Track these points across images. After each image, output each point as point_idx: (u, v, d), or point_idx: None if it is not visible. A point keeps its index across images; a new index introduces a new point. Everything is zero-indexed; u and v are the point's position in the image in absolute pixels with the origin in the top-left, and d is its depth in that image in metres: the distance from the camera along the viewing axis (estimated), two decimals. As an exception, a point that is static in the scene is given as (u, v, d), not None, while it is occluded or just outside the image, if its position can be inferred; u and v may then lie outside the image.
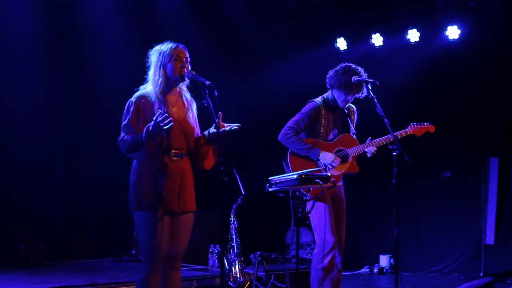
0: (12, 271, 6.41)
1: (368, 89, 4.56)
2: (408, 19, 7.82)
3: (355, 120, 4.94)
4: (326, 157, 4.67)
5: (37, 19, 7.25)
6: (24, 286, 5.50)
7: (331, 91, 4.82)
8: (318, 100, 4.82)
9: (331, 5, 7.81)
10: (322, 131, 4.77)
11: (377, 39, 8.04)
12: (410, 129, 4.75)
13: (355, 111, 4.96)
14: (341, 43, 8.28)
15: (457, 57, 7.66)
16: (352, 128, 4.86)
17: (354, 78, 4.66)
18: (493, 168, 7.33)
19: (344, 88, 4.69)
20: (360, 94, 4.75)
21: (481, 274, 7.02)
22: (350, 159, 4.74)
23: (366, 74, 4.73)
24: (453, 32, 7.52)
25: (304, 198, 4.50)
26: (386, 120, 4.36)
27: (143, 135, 3.45)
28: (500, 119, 7.48)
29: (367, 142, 4.73)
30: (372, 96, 4.50)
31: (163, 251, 3.55)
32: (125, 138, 3.55)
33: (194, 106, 3.78)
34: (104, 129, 7.73)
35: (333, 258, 4.64)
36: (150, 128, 3.43)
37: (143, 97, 3.62)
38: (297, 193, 4.48)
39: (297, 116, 4.78)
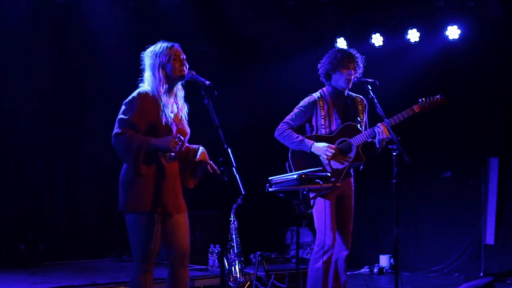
0: (12, 271, 6.40)
1: (368, 89, 4.53)
2: (408, 19, 7.81)
3: (365, 110, 4.75)
4: (318, 148, 4.51)
5: (37, 19, 7.25)
6: (24, 286, 5.49)
7: (329, 81, 4.68)
8: (315, 94, 4.73)
9: (331, 5, 7.79)
10: (323, 123, 4.62)
11: (377, 39, 8.04)
12: (416, 108, 4.54)
13: (364, 100, 4.77)
14: (341, 43, 8.27)
15: (457, 57, 7.66)
16: (362, 118, 4.68)
17: (354, 78, 4.65)
18: (493, 168, 7.33)
19: (340, 67, 4.56)
20: (358, 71, 4.60)
21: (481, 274, 7.02)
22: (354, 149, 4.55)
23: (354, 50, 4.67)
24: (453, 32, 7.52)
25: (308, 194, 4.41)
26: (386, 120, 4.36)
27: (149, 145, 3.44)
28: (500, 119, 7.47)
29: (376, 126, 4.45)
30: (372, 96, 4.49)
31: (156, 252, 3.56)
32: (126, 135, 3.44)
33: (186, 108, 3.76)
34: (104, 129, 7.72)
35: (329, 259, 4.49)
36: (160, 145, 3.46)
37: (146, 95, 3.57)
38: (304, 192, 4.19)
39: (292, 111, 4.73)
